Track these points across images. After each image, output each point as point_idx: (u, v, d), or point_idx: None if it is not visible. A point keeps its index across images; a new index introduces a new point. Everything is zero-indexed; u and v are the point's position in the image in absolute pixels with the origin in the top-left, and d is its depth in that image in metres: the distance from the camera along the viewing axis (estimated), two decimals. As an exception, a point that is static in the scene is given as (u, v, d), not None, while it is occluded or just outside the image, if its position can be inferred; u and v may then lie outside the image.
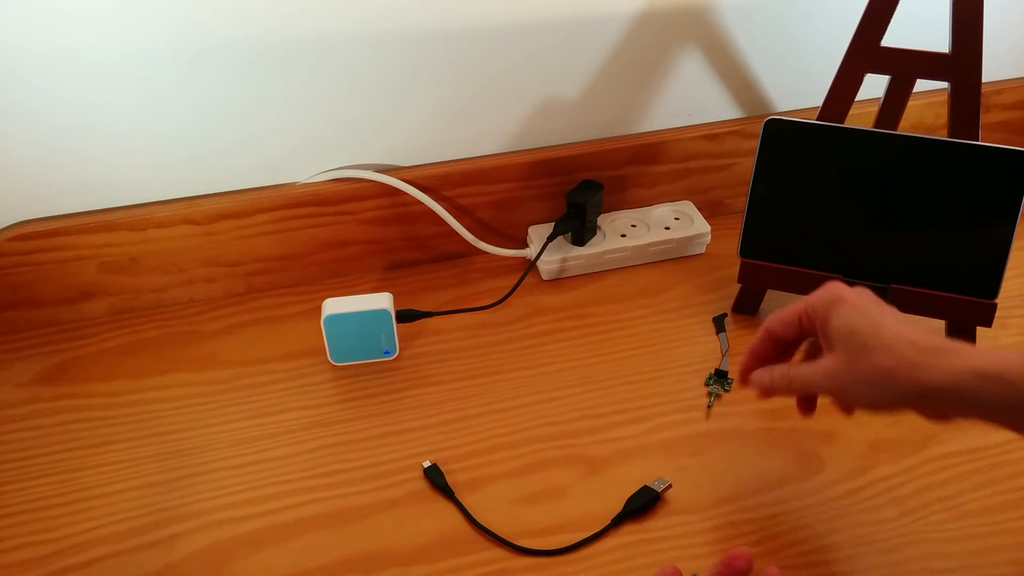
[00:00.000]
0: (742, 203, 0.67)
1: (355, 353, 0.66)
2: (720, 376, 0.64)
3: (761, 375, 0.51)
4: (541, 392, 0.64)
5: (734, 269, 0.68)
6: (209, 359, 0.67)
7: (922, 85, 0.63)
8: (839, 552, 0.52)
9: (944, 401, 0.44)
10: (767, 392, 0.51)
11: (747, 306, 0.70)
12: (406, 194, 0.71)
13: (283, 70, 0.66)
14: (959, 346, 0.45)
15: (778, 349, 0.52)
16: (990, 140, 0.61)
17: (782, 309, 0.51)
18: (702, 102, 0.78)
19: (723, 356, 0.66)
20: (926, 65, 0.61)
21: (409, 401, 0.63)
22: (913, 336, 0.45)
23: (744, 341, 0.68)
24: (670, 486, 0.56)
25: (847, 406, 0.51)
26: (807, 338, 0.52)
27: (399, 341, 0.66)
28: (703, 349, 0.67)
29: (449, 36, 0.68)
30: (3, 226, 0.67)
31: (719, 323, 0.68)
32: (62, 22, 0.59)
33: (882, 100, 0.65)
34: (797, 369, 0.50)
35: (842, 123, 0.63)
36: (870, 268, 0.65)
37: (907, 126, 0.73)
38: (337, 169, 0.72)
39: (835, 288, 0.48)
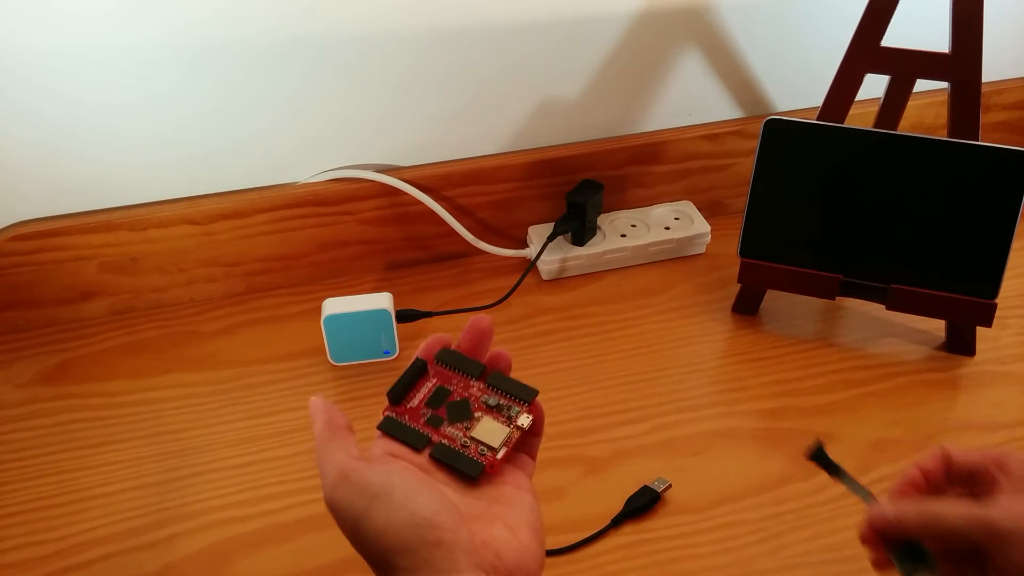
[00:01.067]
0: (742, 203, 0.67)
1: (355, 353, 0.66)
2: (915, 554, 0.40)
3: (887, 512, 0.40)
4: (541, 392, 0.63)
5: (734, 269, 0.68)
6: (209, 359, 0.67)
7: (922, 85, 0.63)
8: (839, 552, 0.52)
9: None
10: (885, 524, 0.40)
11: (747, 306, 0.70)
12: (406, 194, 0.71)
13: (283, 70, 0.66)
14: None
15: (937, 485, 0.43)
16: (990, 140, 0.61)
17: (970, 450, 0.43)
18: (702, 102, 0.78)
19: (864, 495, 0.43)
20: (926, 65, 0.61)
21: (409, 401, 0.63)
22: None
23: (745, 341, 0.68)
24: (670, 486, 0.56)
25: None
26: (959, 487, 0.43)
27: (399, 341, 0.66)
28: (703, 349, 0.67)
29: (449, 36, 0.68)
30: (3, 226, 0.67)
31: (823, 459, 0.44)
32: (62, 21, 0.59)
33: (882, 100, 0.65)
34: (947, 505, 0.40)
35: (842, 123, 0.63)
36: (870, 268, 0.65)
37: (907, 126, 0.73)
38: (337, 169, 0.72)
39: None
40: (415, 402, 0.42)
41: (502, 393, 0.42)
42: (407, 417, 0.41)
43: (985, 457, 0.42)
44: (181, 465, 0.58)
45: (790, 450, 0.59)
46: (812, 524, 0.54)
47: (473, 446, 0.40)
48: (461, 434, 0.40)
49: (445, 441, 0.40)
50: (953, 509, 0.40)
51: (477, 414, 0.41)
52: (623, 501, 0.55)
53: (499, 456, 0.39)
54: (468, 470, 0.39)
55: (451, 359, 0.43)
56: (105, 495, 0.56)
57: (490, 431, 0.40)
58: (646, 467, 0.58)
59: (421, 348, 0.43)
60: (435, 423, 0.41)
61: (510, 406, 0.41)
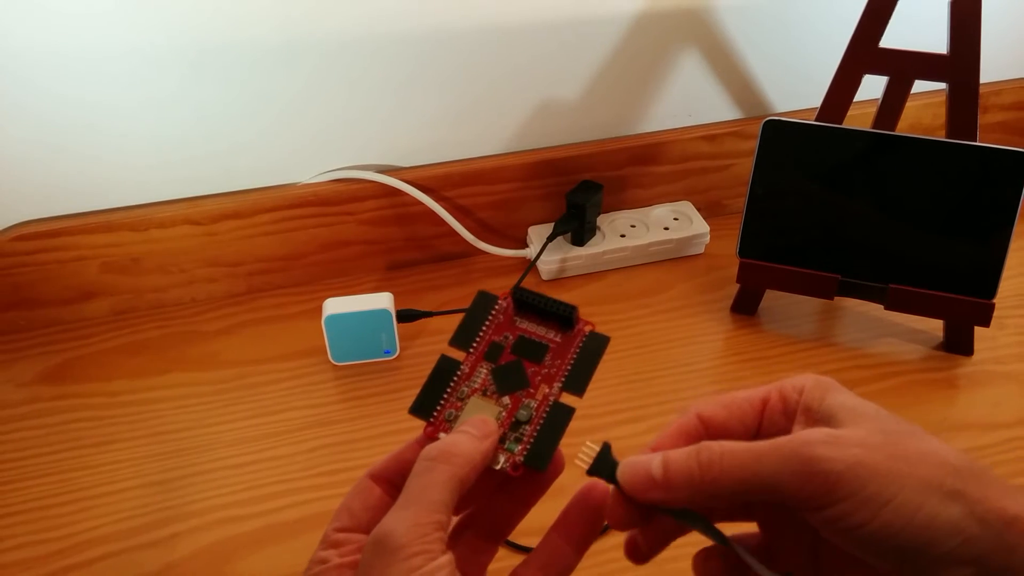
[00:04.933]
0: (741, 203, 0.67)
1: (356, 353, 0.66)
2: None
3: (649, 463, 0.31)
4: (541, 392, 0.64)
5: (733, 269, 0.68)
6: (210, 359, 0.67)
7: (920, 86, 0.63)
8: (837, 551, 0.52)
9: None
10: (665, 486, 0.30)
11: (746, 306, 0.70)
12: (407, 194, 0.71)
13: (285, 71, 0.66)
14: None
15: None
16: (988, 141, 0.61)
17: (725, 393, 0.34)
18: (701, 103, 0.78)
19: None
20: (924, 66, 0.62)
21: (409, 401, 0.63)
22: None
23: (744, 341, 0.68)
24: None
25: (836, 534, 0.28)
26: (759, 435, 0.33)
27: (399, 341, 0.66)
28: (703, 349, 0.67)
29: (450, 37, 0.68)
30: (5, 226, 0.67)
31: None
32: (64, 22, 0.60)
33: (880, 101, 0.65)
34: (739, 448, 0.29)
35: (840, 124, 0.63)
36: (868, 268, 0.65)
37: (905, 127, 0.73)
38: (338, 170, 0.72)
39: (821, 377, 0.32)
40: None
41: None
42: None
43: (759, 394, 0.32)
44: (182, 464, 0.59)
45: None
46: (810, 523, 0.54)
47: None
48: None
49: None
50: (751, 450, 0.28)
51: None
52: (622, 500, 0.55)
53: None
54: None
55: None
56: (106, 494, 0.57)
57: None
58: (645, 466, 0.58)
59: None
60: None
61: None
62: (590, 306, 0.72)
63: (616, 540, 0.54)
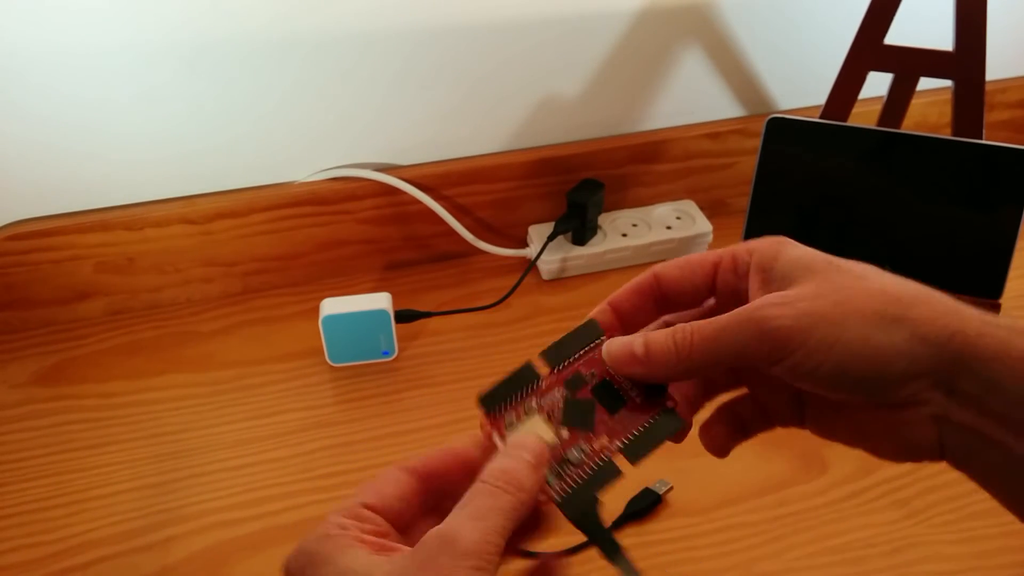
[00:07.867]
0: (744, 202, 0.66)
1: (353, 354, 0.65)
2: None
3: (632, 342, 0.34)
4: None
5: (736, 269, 0.68)
6: (206, 360, 0.67)
7: (925, 83, 0.63)
8: (842, 555, 0.52)
9: (985, 365, 0.29)
10: (645, 362, 0.34)
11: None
12: (405, 193, 0.71)
13: (280, 67, 0.65)
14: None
15: (656, 308, 0.37)
16: (994, 139, 0.61)
17: (681, 257, 0.37)
18: (704, 100, 0.78)
19: None
20: (929, 63, 0.61)
21: (408, 402, 0.63)
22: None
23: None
24: (671, 488, 0.55)
25: (804, 375, 0.31)
26: (711, 297, 0.36)
27: (398, 341, 0.66)
28: (704, 349, 0.67)
29: (449, 32, 0.67)
30: (-2, 226, 0.66)
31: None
32: (57, 18, 0.59)
33: (885, 98, 0.64)
34: (706, 324, 0.32)
35: (845, 122, 0.63)
36: (873, 268, 0.64)
37: (910, 124, 0.73)
38: (335, 168, 0.71)
39: (773, 236, 0.36)
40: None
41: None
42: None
43: (711, 257, 0.35)
44: (178, 467, 0.58)
45: (792, 452, 0.58)
46: (814, 527, 0.53)
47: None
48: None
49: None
50: (714, 324, 0.31)
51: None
52: (624, 503, 0.54)
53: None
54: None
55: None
56: (102, 497, 0.56)
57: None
58: (647, 468, 0.57)
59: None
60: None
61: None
62: (591, 306, 0.71)
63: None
